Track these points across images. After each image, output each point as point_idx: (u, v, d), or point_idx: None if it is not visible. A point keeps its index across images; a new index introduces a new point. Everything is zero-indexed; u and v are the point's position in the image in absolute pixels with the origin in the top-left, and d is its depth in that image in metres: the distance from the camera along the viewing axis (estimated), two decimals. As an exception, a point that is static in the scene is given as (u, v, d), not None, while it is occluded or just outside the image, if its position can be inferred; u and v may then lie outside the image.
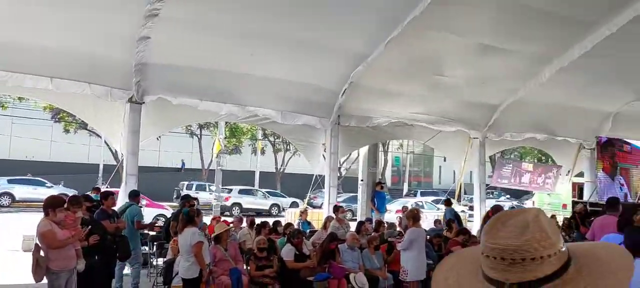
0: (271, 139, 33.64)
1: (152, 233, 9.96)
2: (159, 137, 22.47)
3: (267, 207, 26.16)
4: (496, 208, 8.29)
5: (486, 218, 8.10)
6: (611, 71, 10.93)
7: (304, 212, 12.33)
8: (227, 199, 25.26)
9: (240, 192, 26.56)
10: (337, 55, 9.52)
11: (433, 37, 9.20)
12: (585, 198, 14.17)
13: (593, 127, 13.44)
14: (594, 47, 9.35)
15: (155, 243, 9.05)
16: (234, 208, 24.67)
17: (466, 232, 9.53)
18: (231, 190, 26.28)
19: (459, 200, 15.62)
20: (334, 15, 8.38)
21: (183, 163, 37.86)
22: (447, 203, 13.74)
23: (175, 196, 27.29)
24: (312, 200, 20.56)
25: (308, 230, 10.86)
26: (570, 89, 11.43)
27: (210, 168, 30.15)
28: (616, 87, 11.90)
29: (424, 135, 12.49)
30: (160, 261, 8.56)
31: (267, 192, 27.96)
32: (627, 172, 13.86)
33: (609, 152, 13.62)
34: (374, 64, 9.47)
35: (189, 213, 6.62)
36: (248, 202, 25.86)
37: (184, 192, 25.45)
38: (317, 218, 12.75)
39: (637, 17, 8.42)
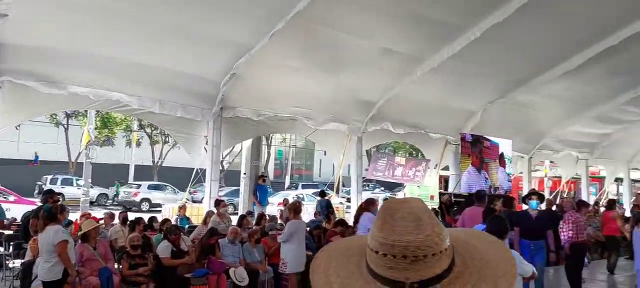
0: (148, 130, 31.97)
1: (8, 232, 8.96)
2: (18, 126, 20.23)
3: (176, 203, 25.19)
4: (370, 201, 8.67)
5: (360, 209, 8.44)
6: (475, 73, 11.97)
7: (183, 207, 11.91)
8: (135, 195, 24.46)
9: (150, 187, 25.65)
10: (220, 45, 9.28)
11: (318, 33, 9.37)
12: (451, 189, 15.43)
13: (458, 124, 14.63)
14: (461, 49, 10.15)
15: (11, 243, 8.15)
16: (143, 204, 23.87)
17: (343, 222, 9.89)
18: (140, 185, 25.29)
19: (337, 192, 16.14)
20: (215, 2, 8.16)
21: (36, 157, 34.33)
22: (322, 194, 14.19)
23: (36, 191, 24.86)
24: (192, 195, 19.97)
25: (187, 226, 10.51)
26: (439, 88, 12.33)
27: (79, 161, 27.86)
28: (478, 88, 13.06)
29: (306, 129, 12.69)
30: (18, 263, 7.73)
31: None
32: (487, 165, 15.36)
33: (478, 147, 15.01)
34: (258, 56, 9.38)
35: (51, 209, 6.05)
36: (158, 197, 24.76)
37: (47, 186, 23.26)
38: (197, 214, 12.39)
39: (498, 24, 9.30)
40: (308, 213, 13.55)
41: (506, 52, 11.05)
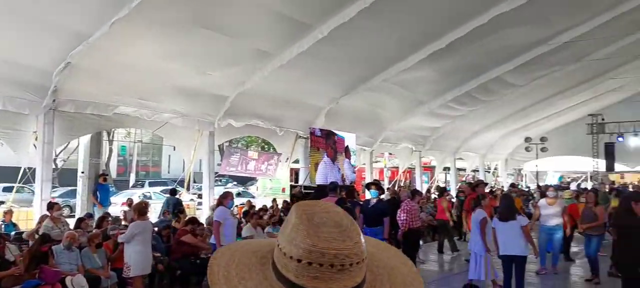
0: (-38, 125, 27.65)
1: None
2: None
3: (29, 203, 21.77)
4: (224, 195, 8.57)
5: (219, 203, 8.30)
6: (323, 70, 12.47)
7: (8, 212, 10.54)
8: None
9: (5, 189, 21.62)
10: (52, 30, 8.36)
11: (164, 23, 8.93)
12: (301, 182, 15.91)
13: (308, 119, 15.11)
14: (309, 47, 10.47)
15: None
16: None
17: (195, 220, 9.63)
18: None
19: (188, 189, 15.66)
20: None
21: None
22: (172, 192, 13.73)
23: None
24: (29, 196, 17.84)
25: (13, 233, 9.33)
26: (289, 83, 12.60)
27: None
28: (326, 85, 13.63)
29: (153, 124, 12.07)
30: None
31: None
32: (338, 158, 16.20)
33: (332, 140, 15.72)
34: (98, 44, 8.62)
35: None
36: (15, 200, 21.09)
37: None
38: (25, 218, 11.08)
39: (343, 24, 9.78)
40: (156, 212, 12.92)
41: (351, 50, 11.71)
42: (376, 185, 9.71)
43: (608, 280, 8.79)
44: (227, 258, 1.06)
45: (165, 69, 10.35)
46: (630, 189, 19.44)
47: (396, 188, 16.78)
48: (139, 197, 17.90)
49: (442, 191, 14.15)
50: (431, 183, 25.42)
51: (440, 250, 12.09)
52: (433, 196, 18.49)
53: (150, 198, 20.16)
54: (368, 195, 9.84)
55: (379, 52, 12.30)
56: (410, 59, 12.58)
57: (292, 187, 15.70)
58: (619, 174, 27.46)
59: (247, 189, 29.06)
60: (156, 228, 9.11)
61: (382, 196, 10.38)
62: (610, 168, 24.67)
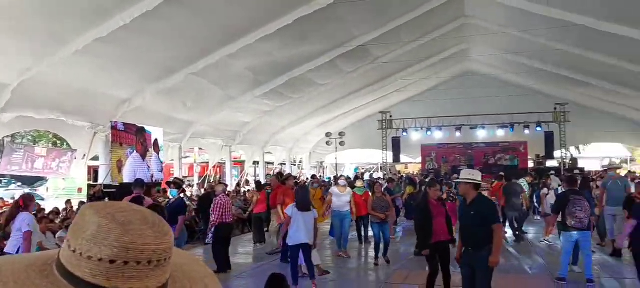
0: None
1: None
2: None
3: None
4: (29, 197, 7.31)
5: (17, 207, 6.97)
6: (126, 59, 11.65)
7: None
8: None
9: None
10: None
11: None
12: (101, 180, 14.65)
13: (110, 112, 13.91)
14: (109, 34, 9.67)
15: None
16: None
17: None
18: None
19: (-43, 192, 13.26)
20: None
21: None
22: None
23: None
24: None
25: None
26: (88, 72, 11.48)
27: None
28: (130, 75, 12.73)
29: None
30: None
31: None
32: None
33: (142, 136, 14.74)
34: None
35: None
36: None
37: None
38: None
39: (148, 12, 9.27)
40: None
41: (157, 41, 11.21)
42: (175, 183, 9.58)
43: (404, 261, 10.00)
44: (5, 278, 0.90)
45: None
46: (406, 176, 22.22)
47: (206, 184, 16.61)
48: None
49: (259, 185, 14.45)
50: (241, 177, 25.75)
51: (256, 242, 12.32)
52: (242, 190, 18.76)
53: None
54: (170, 194, 9.68)
55: (186, 45, 12.01)
56: (218, 53, 12.56)
57: (90, 186, 14.37)
58: (404, 165, 31.32)
59: (36, 190, 25.72)
60: None
61: (182, 194, 10.30)
62: (396, 159, 27.98)
